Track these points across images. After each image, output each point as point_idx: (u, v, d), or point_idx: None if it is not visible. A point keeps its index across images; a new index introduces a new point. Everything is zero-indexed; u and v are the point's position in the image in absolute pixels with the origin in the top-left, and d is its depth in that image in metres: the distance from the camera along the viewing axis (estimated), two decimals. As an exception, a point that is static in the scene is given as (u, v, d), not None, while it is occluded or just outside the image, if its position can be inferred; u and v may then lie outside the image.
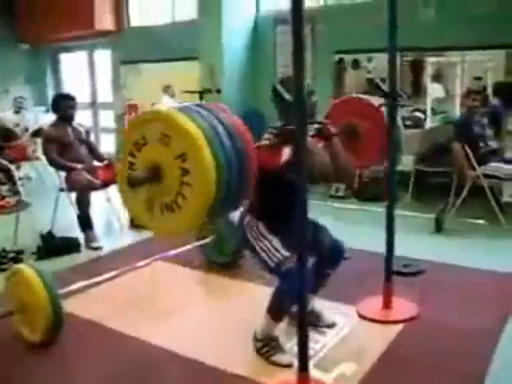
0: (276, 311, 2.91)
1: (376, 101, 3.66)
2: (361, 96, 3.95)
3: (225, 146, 2.20)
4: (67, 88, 10.77)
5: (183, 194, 2.21)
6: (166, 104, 8.75)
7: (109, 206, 5.77)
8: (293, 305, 2.77)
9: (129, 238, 5.38)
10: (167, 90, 8.82)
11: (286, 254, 2.82)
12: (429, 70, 7.11)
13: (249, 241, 2.97)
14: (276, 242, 2.87)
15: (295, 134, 2.36)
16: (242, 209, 3.02)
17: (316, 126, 2.87)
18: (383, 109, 3.55)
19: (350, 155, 2.96)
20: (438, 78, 7.18)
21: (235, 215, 4.22)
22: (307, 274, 2.51)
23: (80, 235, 5.12)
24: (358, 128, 3.58)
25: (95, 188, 5.26)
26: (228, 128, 2.26)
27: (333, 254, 3.08)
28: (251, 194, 2.62)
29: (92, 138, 5.98)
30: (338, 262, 3.11)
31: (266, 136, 2.76)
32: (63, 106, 5.39)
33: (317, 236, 3.01)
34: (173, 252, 4.14)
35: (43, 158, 5.76)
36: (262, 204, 2.93)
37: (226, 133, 2.24)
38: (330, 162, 2.83)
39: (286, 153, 2.70)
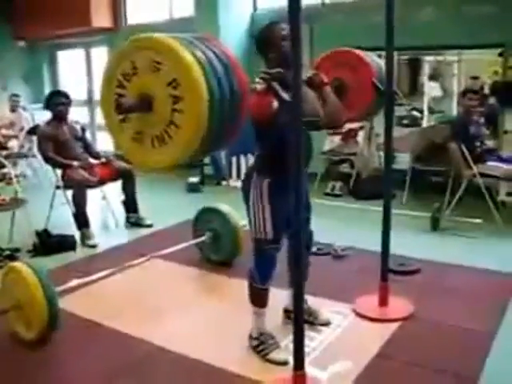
0: (257, 299, 2.98)
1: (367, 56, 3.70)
2: (347, 48, 3.98)
3: (218, 74, 2.14)
4: (64, 85, 10.75)
5: (175, 122, 2.15)
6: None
7: (105, 204, 5.76)
8: (264, 282, 2.92)
9: (125, 235, 5.38)
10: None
11: (270, 236, 2.87)
12: (426, 69, 7.12)
13: (249, 200, 2.93)
14: (268, 220, 2.86)
15: (286, 77, 2.31)
16: (249, 166, 3.05)
17: (308, 74, 2.85)
18: (369, 59, 3.58)
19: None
20: (435, 77, 7.20)
21: (233, 214, 4.23)
22: (302, 260, 2.52)
23: (76, 233, 5.12)
24: (345, 82, 3.59)
25: (91, 185, 5.25)
26: (220, 56, 2.21)
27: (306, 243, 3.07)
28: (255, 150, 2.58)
29: (88, 135, 5.96)
30: (308, 252, 3.16)
31: (257, 81, 2.66)
32: (56, 103, 5.38)
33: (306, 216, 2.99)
34: (169, 249, 4.14)
35: (39, 155, 5.75)
36: (264, 159, 2.89)
37: (217, 60, 2.18)
38: (316, 99, 2.82)
39: (276, 99, 2.64)
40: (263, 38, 2.90)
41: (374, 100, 3.48)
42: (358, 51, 3.90)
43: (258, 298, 2.98)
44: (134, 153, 2.36)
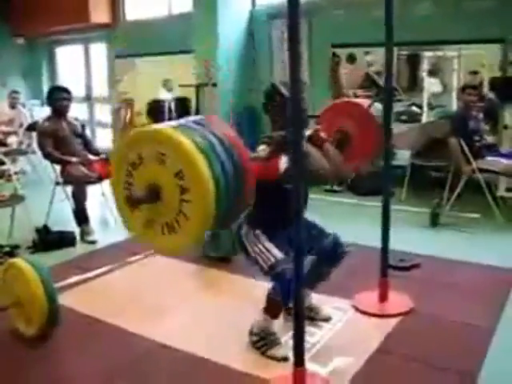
0: (272, 310, 2.94)
1: (365, 102, 3.70)
2: (349, 99, 4.00)
3: (221, 159, 2.19)
4: (63, 82, 10.72)
5: (184, 212, 2.21)
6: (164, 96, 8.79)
7: (104, 200, 5.76)
8: (287, 303, 2.83)
9: (125, 231, 5.35)
10: (166, 83, 8.81)
11: (280, 256, 2.85)
12: (425, 65, 7.11)
13: (245, 247, 2.99)
14: (269, 245, 2.89)
15: (289, 139, 2.37)
16: (242, 218, 3.04)
17: (308, 133, 2.90)
18: (372, 109, 3.59)
19: (343, 158, 3.01)
20: (434, 72, 7.18)
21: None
22: (303, 275, 2.53)
23: (76, 229, 5.11)
24: (349, 132, 3.61)
25: (91, 181, 5.24)
26: (223, 141, 2.25)
27: (333, 252, 3.09)
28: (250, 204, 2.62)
29: (87, 132, 5.95)
30: (339, 259, 3.12)
31: (260, 147, 2.77)
32: (57, 98, 5.37)
33: (315, 237, 3.02)
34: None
35: (38, 151, 5.74)
36: (259, 212, 2.93)
37: (221, 146, 2.23)
38: (324, 161, 2.85)
39: (283, 161, 2.72)
40: (269, 100, 2.96)
41: (378, 147, 3.48)
42: (358, 101, 3.93)
43: (274, 312, 2.96)
44: (145, 237, 2.44)
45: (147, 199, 2.27)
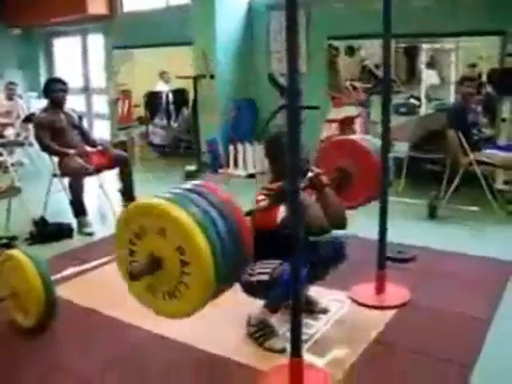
0: (272, 308, 2.94)
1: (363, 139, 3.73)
2: (347, 137, 4.01)
3: (219, 230, 2.22)
4: (60, 73, 10.70)
5: (185, 282, 2.25)
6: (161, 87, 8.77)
7: (102, 192, 5.75)
8: (285, 301, 2.80)
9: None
10: (163, 75, 8.79)
11: (278, 261, 2.81)
12: (423, 57, 7.10)
13: (246, 286, 2.93)
14: (261, 264, 2.86)
15: (287, 191, 2.40)
16: None
17: (308, 176, 2.91)
18: (371, 148, 3.60)
19: (342, 201, 3.05)
20: (432, 64, 7.17)
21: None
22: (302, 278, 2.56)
23: (73, 221, 5.11)
24: (349, 171, 3.62)
25: (88, 173, 5.23)
26: (219, 209, 2.27)
27: (334, 256, 3.11)
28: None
29: (85, 123, 5.94)
30: (340, 261, 3.14)
31: (260, 198, 2.79)
32: (54, 89, 5.36)
33: (315, 253, 2.99)
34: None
35: (36, 143, 5.73)
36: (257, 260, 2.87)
37: (218, 214, 2.25)
38: (323, 213, 2.87)
39: (282, 211, 2.74)
40: (270, 150, 3.01)
41: (379, 182, 3.48)
42: (356, 139, 3.92)
43: (274, 308, 2.95)
44: (146, 302, 2.47)
45: (149, 270, 2.30)
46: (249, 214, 2.65)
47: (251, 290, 2.93)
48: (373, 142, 3.76)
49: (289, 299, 2.62)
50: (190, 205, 2.24)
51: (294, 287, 2.48)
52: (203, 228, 2.17)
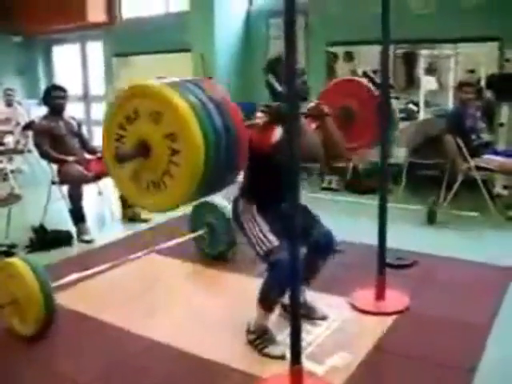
0: (266, 301, 2.93)
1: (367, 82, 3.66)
2: (353, 77, 3.93)
3: (215, 126, 2.17)
4: (59, 80, 10.71)
5: (171, 173, 2.19)
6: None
7: (101, 199, 5.75)
8: (282, 294, 2.82)
9: (121, 230, 5.38)
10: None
11: (276, 243, 2.83)
12: (422, 63, 7.12)
13: (242, 225, 2.96)
14: (266, 230, 2.87)
15: (287, 112, 2.32)
16: (235, 194, 3.05)
17: (309, 105, 2.86)
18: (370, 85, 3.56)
19: (343, 137, 2.96)
20: (431, 70, 7.19)
21: (228, 208, 4.23)
22: (298, 263, 2.50)
23: (72, 228, 5.11)
24: (352, 110, 3.56)
25: (87, 181, 5.23)
26: (219, 106, 2.23)
27: (324, 244, 3.07)
28: (243, 177, 2.60)
29: (84, 130, 5.94)
30: (329, 253, 3.10)
31: (258, 115, 2.72)
32: (53, 96, 5.36)
33: (308, 224, 3.00)
34: (166, 244, 4.13)
35: (35, 150, 5.73)
36: (253, 186, 2.93)
37: (217, 111, 2.20)
38: (320, 144, 2.82)
39: (278, 133, 2.68)
40: (270, 71, 2.92)
41: (382, 127, 3.45)
42: (359, 79, 3.88)
43: (268, 305, 2.94)
44: (129, 191, 2.41)
45: (135, 155, 2.25)
46: (247, 127, 2.57)
47: (247, 239, 2.95)
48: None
49: (283, 289, 2.69)
50: (189, 95, 2.18)
51: (292, 274, 2.47)
52: (200, 119, 2.12)
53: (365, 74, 3.84)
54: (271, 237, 2.85)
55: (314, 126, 2.94)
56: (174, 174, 2.19)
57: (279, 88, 2.71)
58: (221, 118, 2.21)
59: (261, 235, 2.87)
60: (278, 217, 2.83)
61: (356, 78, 3.90)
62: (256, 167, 2.79)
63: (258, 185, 2.92)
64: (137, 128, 2.27)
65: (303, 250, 2.92)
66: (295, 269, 2.48)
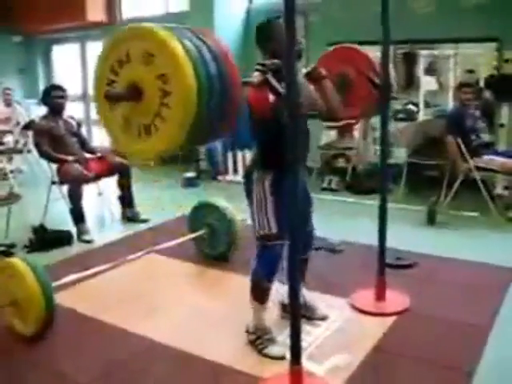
0: (257, 293, 2.95)
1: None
2: (353, 45, 3.91)
3: (209, 70, 2.15)
4: (59, 80, 10.70)
5: (162, 115, 2.17)
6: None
7: (101, 199, 5.75)
8: (271, 278, 2.88)
9: (121, 230, 5.37)
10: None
11: (275, 230, 2.84)
12: (422, 63, 7.12)
13: (252, 195, 2.92)
14: (271, 215, 2.84)
15: (283, 68, 2.31)
16: (248, 163, 3.06)
17: (306, 69, 2.87)
18: (371, 55, 3.55)
19: (340, 99, 2.95)
20: (430, 70, 7.19)
21: (229, 210, 4.23)
22: (297, 255, 2.52)
23: (72, 228, 5.10)
24: (348, 77, 3.55)
25: (87, 180, 5.23)
26: (213, 51, 2.22)
27: (305, 243, 3.08)
28: (254, 149, 2.55)
29: (84, 130, 5.95)
30: (306, 252, 3.13)
31: (255, 74, 2.67)
32: (53, 96, 5.37)
33: (306, 211, 3.01)
34: (165, 245, 4.13)
35: (35, 150, 5.73)
36: (265, 153, 2.88)
37: (210, 56, 2.19)
38: (318, 97, 2.83)
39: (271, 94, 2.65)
40: (264, 31, 2.90)
41: (375, 98, 3.43)
42: (359, 48, 3.86)
43: (260, 295, 2.96)
44: (120, 140, 2.40)
45: (126, 97, 2.23)
46: (244, 84, 2.57)
47: (250, 210, 2.96)
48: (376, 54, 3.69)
49: (272, 275, 2.80)
50: (183, 38, 2.17)
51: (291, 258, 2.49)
52: (193, 60, 2.10)
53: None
54: (273, 223, 2.85)
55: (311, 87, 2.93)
56: (165, 117, 2.16)
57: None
58: (215, 63, 2.19)
59: (264, 219, 2.86)
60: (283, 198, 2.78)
61: (355, 46, 3.88)
62: (262, 134, 2.78)
63: (267, 149, 2.87)
64: (128, 72, 2.25)
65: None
66: (294, 262, 2.50)
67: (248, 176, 2.97)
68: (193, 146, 2.46)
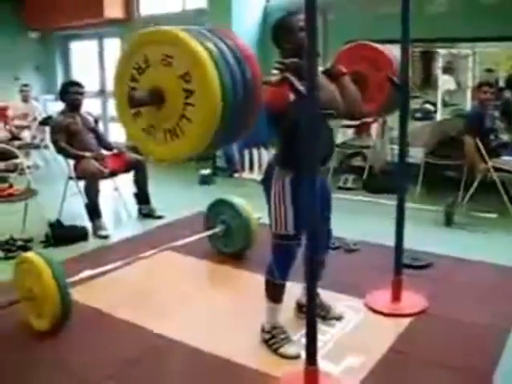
0: (272, 292, 2.95)
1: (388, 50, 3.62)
2: (368, 42, 3.87)
3: (230, 66, 2.12)
4: (76, 76, 10.75)
5: (187, 116, 2.15)
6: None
7: (117, 195, 5.77)
8: (284, 278, 2.87)
9: (137, 227, 5.39)
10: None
11: (292, 232, 2.83)
12: (440, 62, 7.06)
13: (270, 193, 2.88)
14: (290, 215, 2.82)
15: (302, 66, 2.29)
16: (269, 159, 3.04)
17: (325, 66, 2.86)
18: (391, 54, 3.51)
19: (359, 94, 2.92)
20: (448, 69, 7.14)
21: (246, 207, 4.22)
22: (315, 255, 2.50)
23: (88, 224, 5.13)
24: (365, 75, 3.52)
25: (104, 177, 5.25)
26: (234, 50, 2.18)
27: (325, 239, 3.08)
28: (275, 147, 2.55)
29: (101, 126, 5.97)
30: (324, 253, 3.11)
31: (274, 72, 2.63)
32: (70, 92, 5.40)
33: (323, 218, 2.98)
34: (181, 242, 4.13)
35: (51, 146, 5.76)
36: (286, 151, 2.85)
37: (231, 54, 2.16)
38: (337, 95, 2.79)
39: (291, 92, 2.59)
40: (281, 28, 2.87)
41: (392, 96, 3.39)
42: (379, 45, 3.82)
43: (275, 294, 2.95)
44: (145, 145, 2.37)
45: (149, 100, 2.21)
46: (264, 83, 2.51)
47: (268, 205, 2.93)
48: (394, 53, 3.65)
49: (284, 273, 2.80)
50: (203, 38, 2.14)
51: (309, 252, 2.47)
52: (213, 56, 2.07)
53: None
54: (290, 223, 2.82)
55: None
56: (190, 117, 2.14)
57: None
58: (236, 62, 2.16)
59: (282, 217, 2.83)
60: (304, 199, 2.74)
61: (370, 43, 3.84)
62: (280, 132, 2.76)
63: (287, 147, 2.83)
64: (149, 77, 2.23)
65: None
66: (311, 263, 2.48)
67: (268, 173, 2.95)
68: (218, 147, 2.43)
